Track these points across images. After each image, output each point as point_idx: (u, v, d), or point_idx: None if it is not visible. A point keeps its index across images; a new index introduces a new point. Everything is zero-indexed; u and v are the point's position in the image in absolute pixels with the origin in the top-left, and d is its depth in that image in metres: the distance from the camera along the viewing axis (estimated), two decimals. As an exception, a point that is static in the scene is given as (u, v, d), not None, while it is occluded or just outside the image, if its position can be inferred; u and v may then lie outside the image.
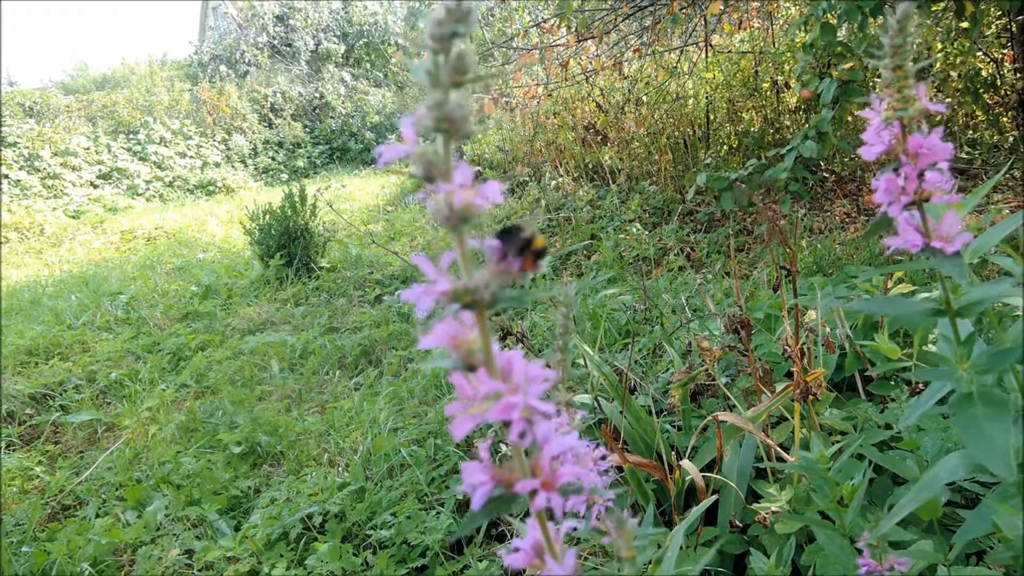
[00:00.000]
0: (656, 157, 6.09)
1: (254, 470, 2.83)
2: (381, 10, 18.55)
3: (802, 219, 4.55)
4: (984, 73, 5.12)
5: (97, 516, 2.59)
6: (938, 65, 5.18)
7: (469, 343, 0.48)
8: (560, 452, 0.51)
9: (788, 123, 5.75)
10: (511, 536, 2.05)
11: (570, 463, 0.52)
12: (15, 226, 9.44)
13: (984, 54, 5.15)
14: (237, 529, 2.40)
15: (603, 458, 0.94)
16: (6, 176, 10.67)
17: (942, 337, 0.76)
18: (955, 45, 5.03)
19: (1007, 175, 4.51)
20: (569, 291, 0.78)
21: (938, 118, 5.19)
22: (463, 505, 2.27)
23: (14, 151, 11.05)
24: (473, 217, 0.46)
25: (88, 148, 11.89)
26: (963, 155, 4.97)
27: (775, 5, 5.87)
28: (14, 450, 3.26)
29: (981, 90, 5.02)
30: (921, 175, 0.67)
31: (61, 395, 3.76)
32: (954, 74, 5.12)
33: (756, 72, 5.86)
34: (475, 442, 2.45)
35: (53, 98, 12.79)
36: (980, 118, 5.21)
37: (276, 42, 17.23)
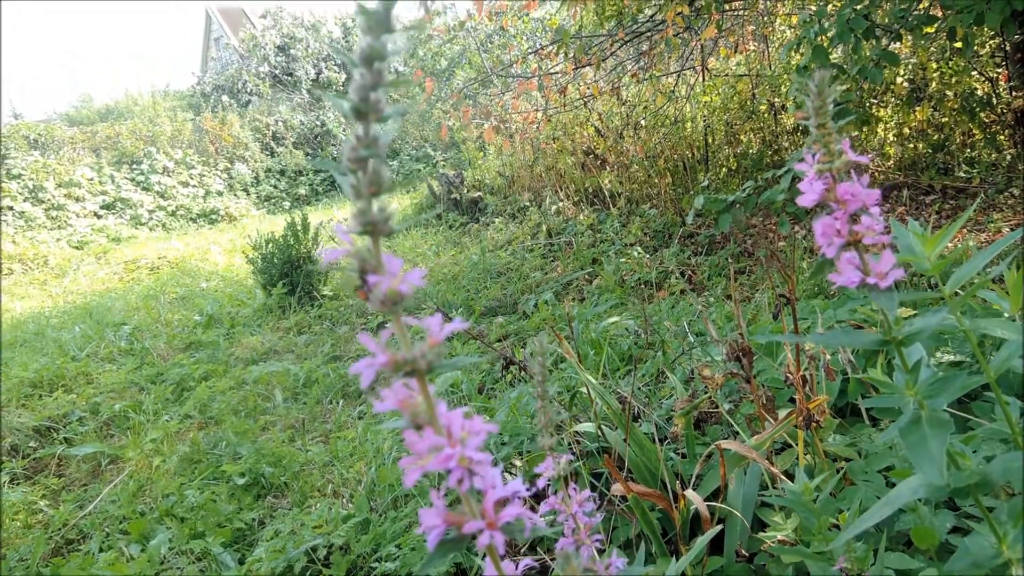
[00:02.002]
0: (656, 180, 6.12)
1: (258, 501, 2.83)
2: (381, 38, 18.75)
3: (802, 239, 4.56)
4: (980, 92, 5.16)
5: (101, 550, 2.58)
6: (933, 85, 5.23)
7: (416, 405, 0.56)
8: (505, 495, 0.57)
9: (786, 144, 5.78)
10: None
11: (515, 505, 0.57)
12: (19, 257, 9.49)
13: (979, 73, 5.19)
14: (241, 562, 2.38)
15: (591, 499, 0.95)
16: (10, 208, 10.74)
17: (896, 366, 0.81)
18: (950, 65, 5.08)
19: (1006, 193, 4.52)
20: (543, 340, 0.80)
21: (935, 134, 5.21)
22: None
23: (19, 183, 11.14)
24: (402, 300, 0.54)
25: (92, 179, 11.98)
26: (961, 174, 4.99)
27: (770, 28, 5.93)
28: (18, 484, 3.25)
29: (977, 109, 5.06)
30: (854, 219, 0.74)
31: (65, 428, 3.76)
32: (950, 93, 5.16)
33: (753, 94, 5.91)
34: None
35: (57, 130, 12.92)
36: (977, 137, 5.25)
37: (278, 72, 17.42)
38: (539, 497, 1.08)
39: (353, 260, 0.54)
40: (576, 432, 2.17)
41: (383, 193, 0.54)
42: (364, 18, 0.51)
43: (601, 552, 0.96)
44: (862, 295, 2.51)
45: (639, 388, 2.58)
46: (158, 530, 2.62)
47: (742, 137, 6.07)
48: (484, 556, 0.60)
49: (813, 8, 3.92)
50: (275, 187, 14.12)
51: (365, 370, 0.54)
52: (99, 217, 11.63)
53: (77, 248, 10.55)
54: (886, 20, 3.45)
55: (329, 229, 6.63)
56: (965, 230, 4.07)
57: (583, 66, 5.54)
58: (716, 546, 1.66)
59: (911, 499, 0.77)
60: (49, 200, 11.23)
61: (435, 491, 0.57)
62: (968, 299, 0.80)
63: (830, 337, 0.85)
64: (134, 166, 12.69)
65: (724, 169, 6.01)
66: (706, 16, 4.57)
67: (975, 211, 4.27)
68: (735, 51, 6.13)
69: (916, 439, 0.74)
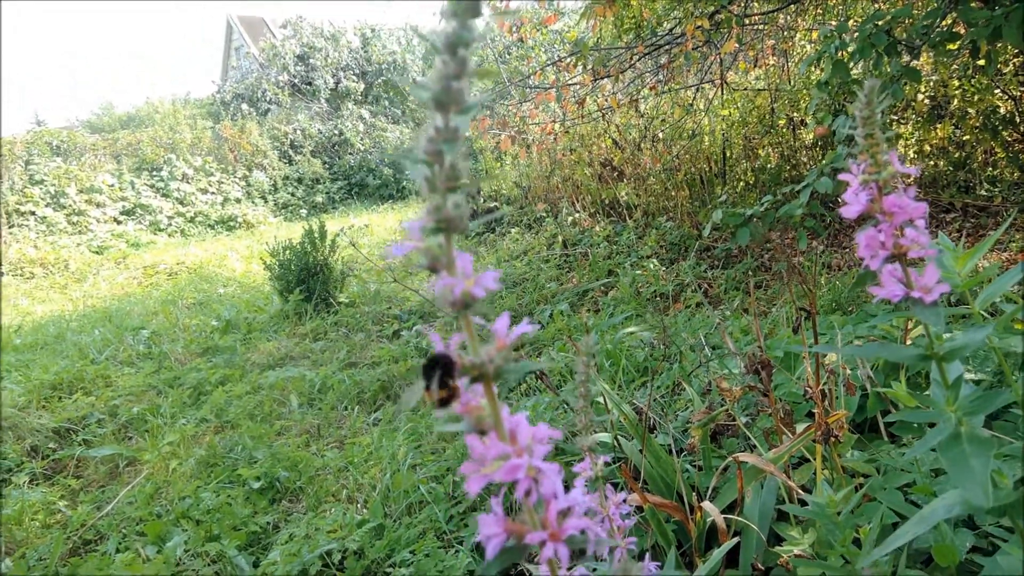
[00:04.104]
0: (673, 193, 6.12)
1: (273, 505, 2.84)
2: (399, 49, 18.92)
3: (820, 255, 4.55)
4: (1002, 110, 5.12)
5: (118, 551, 2.60)
6: (955, 102, 5.20)
7: (480, 410, 0.54)
8: (567, 506, 0.56)
9: (805, 159, 5.77)
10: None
11: (576, 516, 0.56)
12: (41, 261, 9.61)
13: (1002, 91, 5.16)
14: (256, 565, 2.40)
15: (624, 502, 0.96)
16: (32, 213, 10.89)
17: (934, 381, 0.80)
18: (972, 83, 5.05)
19: (1028, 211, 4.48)
20: (591, 341, 0.81)
21: (956, 152, 5.18)
22: (482, 544, 2.26)
23: (41, 188, 11.29)
24: (474, 303, 0.52)
25: (112, 185, 12.13)
26: (982, 192, 4.96)
27: (790, 43, 5.93)
28: (37, 484, 3.29)
29: (1000, 127, 5.03)
30: (899, 231, 0.72)
31: (84, 429, 3.80)
32: (972, 111, 5.13)
33: (772, 109, 5.90)
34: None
35: (79, 137, 13.09)
36: (999, 155, 5.21)
37: (297, 81, 17.58)
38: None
39: (424, 257, 0.51)
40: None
41: (459, 189, 0.51)
42: (450, 2, 0.48)
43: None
44: (882, 310, 2.50)
45: (655, 400, 2.58)
46: (174, 532, 2.64)
47: (760, 151, 6.06)
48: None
49: (834, 23, 3.92)
50: (292, 195, 14.23)
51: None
52: (119, 223, 11.76)
53: (97, 253, 10.67)
54: (907, 36, 3.44)
55: (347, 236, 6.67)
56: (989, 247, 4.04)
57: (601, 78, 5.56)
58: (732, 559, 1.66)
59: (946, 517, 0.76)
60: (70, 206, 11.37)
61: (495, 498, 0.56)
62: (1008, 322, 0.79)
63: (867, 349, 0.84)
64: (154, 173, 12.84)
65: (742, 183, 6.00)
66: (726, 30, 4.58)
67: (996, 229, 4.23)
68: (754, 65, 6.14)
69: (956, 456, 0.72)
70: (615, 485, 2.08)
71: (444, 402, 0.54)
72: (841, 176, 0.73)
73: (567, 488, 0.60)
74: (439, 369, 0.53)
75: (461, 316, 0.53)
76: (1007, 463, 1.44)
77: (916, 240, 0.72)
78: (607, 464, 2.10)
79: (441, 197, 0.51)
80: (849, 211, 0.74)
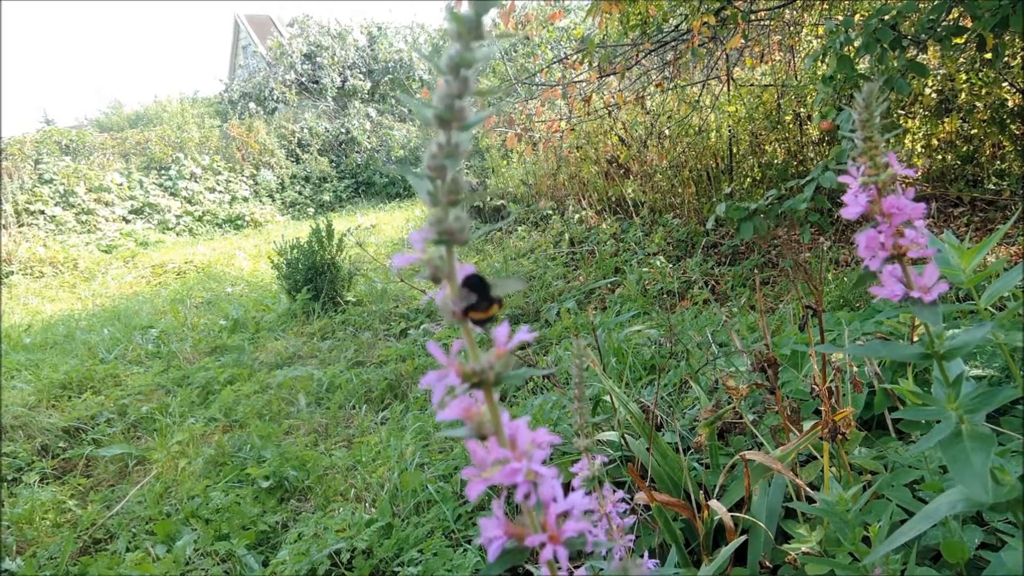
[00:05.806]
0: (679, 190, 6.11)
1: (282, 504, 2.85)
2: (406, 47, 18.93)
3: (827, 251, 4.53)
4: (1010, 103, 5.09)
5: (128, 550, 2.62)
6: (963, 96, 5.17)
7: (480, 415, 0.55)
8: (566, 509, 0.57)
9: (812, 155, 5.75)
10: None
11: (575, 518, 0.57)
12: (50, 260, 9.66)
13: (1010, 84, 5.12)
14: (265, 564, 2.41)
15: (631, 499, 0.96)
16: (42, 212, 10.96)
17: (936, 379, 0.80)
18: (980, 76, 5.02)
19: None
20: (581, 344, 0.81)
21: (964, 146, 5.15)
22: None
23: (50, 188, 11.36)
24: None
25: (121, 184, 12.18)
26: (991, 186, 4.93)
27: (796, 39, 5.90)
28: (47, 483, 3.31)
29: (1008, 120, 4.99)
30: (899, 232, 0.73)
31: (93, 429, 3.82)
32: (980, 105, 5.10)
33: (778, 105, 5.88)
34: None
35: (88, 136, 13.15)
36: (1007, 149, 5.18)
37: (304, 79, 17.61)
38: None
39: (426, 268, 0.53)
40: (599, 441, 2.18)
41: (460, 203, 0.52)
42: (455, 24, 0.49)
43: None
44: (890, 306, 2.49)
45: (662, 398, 2.58)
46: (184, 531, 2.65)
47: (767, 147, 6.04)
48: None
49: (840, 18, 3.90)
50: (300, 193, 14.26)
51: (436, 384, 0.54)
52: (128, 222, 11.81)
53: (106, 252, 10.72)
54: (913, 30, 3.42)
55: (355, 236, 6.68)
56: (994, 243, 4.02)
57: (607, 75, 5.55)
58: (739, 557, 1.66)
59: (949, 513, 0.77)
60: (80, 204, 11.43)
61: (496, 501, 0.57)
62: (1011, 317, 0.80)
63: (870, 348, 0.84)
64: (162, 172, 12.89)
65: (748, 179, 5.98)
66: (732, 26, 4.56)
67: (1004, 224, 4.21)
68: (761, 61, 6.11)
69: (957, 453, 0.73)
70: (621, 484, 2.09)
71: (485, 322, 0.54)
72: (841, 178, 0.74)
73: (569, 489, 0.60)
74: (478, 287, 0.53)
75: (461, 324, 0.54)
76: (1012, 460, 1.44)
77: (915, 241, 0.72)
78: (613, 462, 2.11)
79: (443, 210, 0.52)
80: (849, 212, 0.75)
